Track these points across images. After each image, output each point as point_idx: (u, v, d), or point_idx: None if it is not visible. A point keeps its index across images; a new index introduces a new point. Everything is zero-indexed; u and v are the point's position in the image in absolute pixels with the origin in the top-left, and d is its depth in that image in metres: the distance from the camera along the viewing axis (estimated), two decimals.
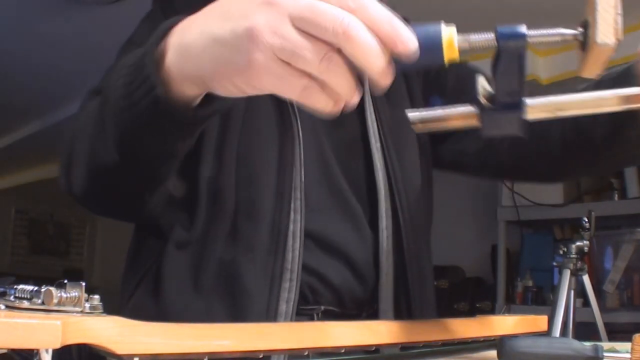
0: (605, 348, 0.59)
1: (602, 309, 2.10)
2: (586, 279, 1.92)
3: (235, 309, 0.77)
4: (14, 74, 3.67)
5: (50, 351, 0.36)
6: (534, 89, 0.85)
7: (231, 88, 0.50)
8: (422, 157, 0.95)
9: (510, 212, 2.77)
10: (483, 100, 0.51)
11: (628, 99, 0.52)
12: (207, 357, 0.45)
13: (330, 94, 0.46)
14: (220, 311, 0.78)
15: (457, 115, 0.52)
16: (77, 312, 0.40)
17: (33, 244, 6.72)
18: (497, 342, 0.58)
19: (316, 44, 0.44)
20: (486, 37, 0.49)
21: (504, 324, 0.75)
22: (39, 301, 0.39)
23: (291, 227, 0.80)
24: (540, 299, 2.72)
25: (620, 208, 2.53)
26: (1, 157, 5.60)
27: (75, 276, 5.34)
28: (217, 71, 0.49)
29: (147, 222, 0.87)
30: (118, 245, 0.90)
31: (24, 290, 0.40)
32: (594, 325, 1.97)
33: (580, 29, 0.49)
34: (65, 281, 0.41)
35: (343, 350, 0.54)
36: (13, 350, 0.35)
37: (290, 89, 0.46)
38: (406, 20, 1.07)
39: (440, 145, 0.98)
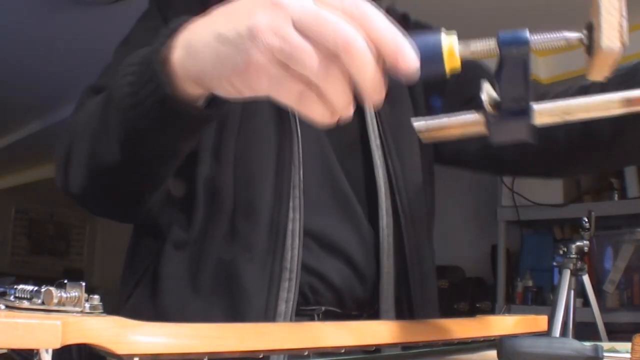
0: (605, 348, 0.59)
1: (602, 309, 2.10)
2: (586, 279, 1.92)
3: (234, 309, 0.77)
4: (14, 74, 3.67)
5: (50, 351, 0.36)
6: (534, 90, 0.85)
7: (229, 88, 0.50)
8: (423, 155, 0.95)
9: (510, 212, 2.77)
10: (489, 108, 0.50)
11: (638, 101, 0.51)
12: (207, 357, 0.45)
13: (326, 104, 0.46)
14: (218, 311, 0.77)
15: (463, 123, 0.51)
16: (77, 312, 0.40)
17: (33, 244, 6.72)
18: (497, 342, 0.58)
19: (316, 49, 0.44)
20: (488, 45, 0.48)
21: (504, 324, 0.74)
22: (39, 301, 0.39)
23: (290, 226, 0.80)
24: (540, 299, 2.72)
25: (620, 208, 2.53)
26: (1, 157, 5.60)
27: (75, 276, 5.34)
28: (217, 69, 0.49)
29: (145, 222, 0.87)
30: (118, 245, 0.90)
31: (24, 290, 0.40)
32: (594, 325, 1.97)
33: (585, 32, 0.49)
34: (65, 281, 0.41)
35: (343, 350, 0.54)
36: (13, 350, 0.35)
37: (287, 93, 0.46)
38: (405, 17, 1.06)
39: (442, 143, 0.98)
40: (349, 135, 0.89)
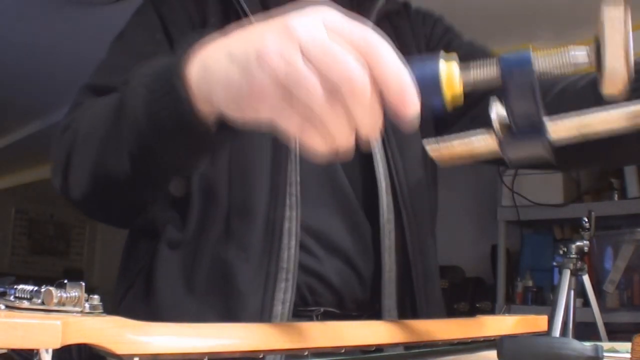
0: (605, 348, 0.59)
1: (602, 309, 2.10)
2: (586, 279, 1.92)
3: (228, 310, 0.76)
4: (14, 74, 3.67)
5: (50, 351, 0.36)
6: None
7: (235, 110, 0.50)
8: (425, 151, 0.95)
9: (510, 212, 2.77)
10: (499, 127, 0.49)
11: None
12: (207, 357, 0.45)
13: (325, 135, 0.46)
14: (212, 312, 0.76)
15: (475, 142, 0.50)
16: (77, 312, 0.40)
17: (33, 244, 6.72)
18: (497, 342, 0.58)
19: (321, 79, 0.44)
20: (490, 71, 0.47)
21: (504, 324, 0.74)
22: (39, 301, 0.39)
23: (286, 224, 0.79)
24: (540, 299, 2.72)
25: (620, 208, 2.53)
26: (1, 157, 5.60)
27: (75, 276, 5.34)
28: (225, 89, 0.50)
29: (140, 222, 0.86)
30: (118, 246, 0.90)
31: (24, 290, 0.40)
32: (594, 325, 1.97)
33: (591, 49, 0.47)
34: (65, 281, 0.41)
35: (343, 350, 0.54)
36: (13, 350, 0.35)
37: (288, 120, 0.46)
38: (406, 5, 1.04)
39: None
40: None
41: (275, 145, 0.81)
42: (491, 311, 2.77)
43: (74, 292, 0.40)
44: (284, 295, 0.77)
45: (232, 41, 0.50)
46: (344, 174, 0.86)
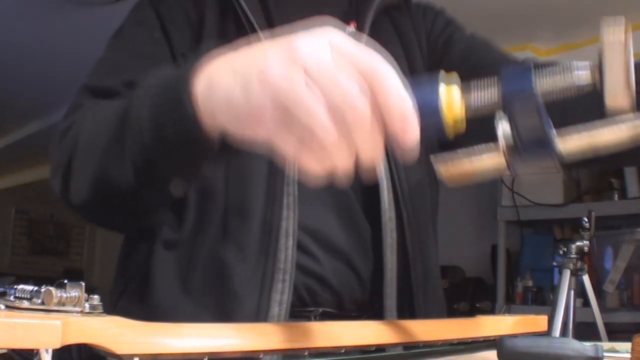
0: (605, 348, 0.59)
1: (602, 309, 2.10)
2: (586, 279, 1.92)
3: (223, 312, 0.75)
4: (13, 74, 3.67)
5: (50, 351, 0.36)
6: None
7: (234, 127, 0.49)
8: (425, 145, 0.93)
9: (510, 212, 2.77)
10: (506, 145, 0.48)
11: None
12: (207, 357, 0.45)
13: (323, 158, 0.45)
14: (208, 313, 0.75)
15: (485, 160, 0.49)
16: (77, 312, 0.40)
17: (33, 244, 6.72)
18: (497, 342, 0.58)
19: (322, 102, 0.44)
20: (491, 97, 0.46)
21: (504, 324, 0.74)
22: (39, 301, 0.39)
23: (283, 224, 0.78)
24: (540, 299, 2.73)
25: (620, 208, 2.53)
26: (1, 157, 5.60)
27: (75, 276, 5.34)
28: (226, 105, 0.49)
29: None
30: (118, 246, 0.90)
31: (24, 290, 0.40)
32: (594, 325, 1.97)
33: (594, 69, 0.46)
34: (65, 281, 0.41)
35: (343, 350, 0.54)
36: (13, 350, 0.35)
37: (285, 141, 0.46)
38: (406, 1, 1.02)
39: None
40: None
41: None
42: (491, 311, 2.77)
43: (74, 292, 0.40)
44: (281, 296, 0.76)
45: (238, 58, 0.50)
46: None
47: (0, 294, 0.40)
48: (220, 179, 0.79)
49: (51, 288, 0.39)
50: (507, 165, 0.49)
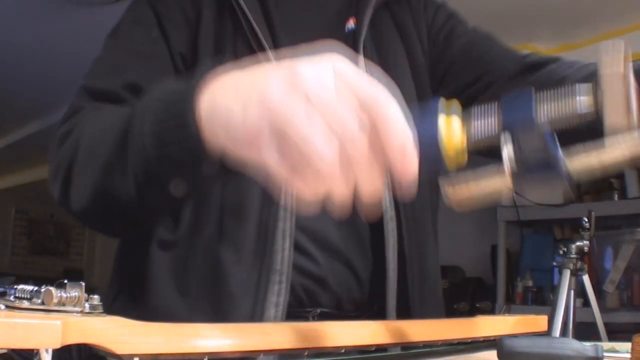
0: (605, 348, 0.59)
1: (602, 309, 2.10)
2: (586, 279, 1.92)
3: (219, 314, 0.74)
4: (14, 74, 3.67)
5: (50, 351, 0.36)
6: None
7: (232, 147, 0.49)
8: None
9: (510, 212, 2.77)
10: (511, 167, 0.47)
11: None
12: (207, 357, 0.45)
13: (316, 186, 0.44)
14: (203, 315, 0.75)
15: (492, 183, 0.48)
16: (77, 312, 0.40)
17: (33, 244, 6.72)
18: (497, 342, 0.58)
19: (321, 132, 0.43)
20: (492, 127, 0.45)
21: (504, 324, 0.74)
22: (39, 301, 0.39)
23: (280, 225, 0.77)
24: (540, 299, 2.73)
25: (620, 208, 2.53)
26: (1, 157, 5.60)
27: (75, 276, 5.34)
28: (225, 126, 0.49)
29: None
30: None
31: (24, 290, 0.40)
32: (594, 325, 1.97)
33: (598, 96, 0.45)
34: (65, 281, 0.41)
35: (343, 350, 0.54)
36: (13, 350, 0.35)
37: (279, 165, 0.45)
38: None
39: None
40: None
41: None
42: (491, 311, 2.77)
43: (74, 292, 0.40)
44: (277, 298, 0.75)
45: (241, 78, 0.50)
46: None
47: (0, 294, 0.40)
48: None
49: (51, 288, 0.39)
50: (516, 187, 0.48)
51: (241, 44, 0.82)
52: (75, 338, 0.37)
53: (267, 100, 0.45)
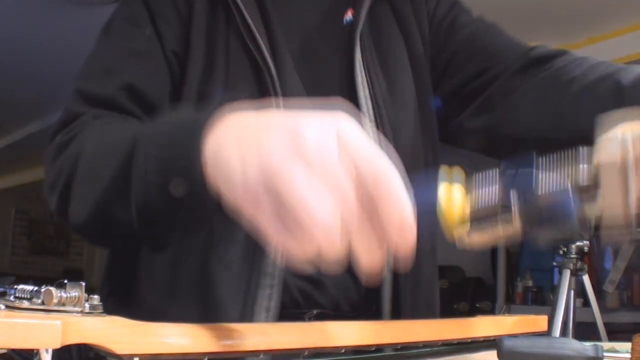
0: (605, 348, 0.59)
1: (602, 309, 2.10)
2: (586, 279, 1.92)
3: (207, 318, 0.73)
4: (14, 74, 3.67)
5: (50, 351, 0.36)
6: None
7: (231, 199, 0.48)
8: (425, 136, 0.88)
9: None
10: (520, 218, 0.47)
11: None
12: (207, 357, 0.45)
13: (309, 250, 0.43)
14: (192, 319, 0.74)
15: (504, 229, 0.47)
16: (77, 312, 0.40)
17: (33, 244, 6.73)
18: (497, 342, 0.58)
19: (316, 198, 0.42)
20: (493, 198, 0.45)
21: (504, 324, 0.74)
22: (39, 301, 0.39)
23: None
24: (540, 299, 2.73)
25: None
26: (1, 157, 5.60)
27: (75, 276, 5.34)
28: (226, 178, 0.48)
29: None
30: None
31: (24, 290, 0.40)
32: (594, 325, 1.97)
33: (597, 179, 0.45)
34: (65, 281, 0.41)
35: (343, 350, 0.54)
36: (13, 350, 0.35)
37: (273, 227, 0.44)
38: None
39: (452, 121, 0.90)
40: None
41: None
42: (491, 311, 2.78)
43: (74, 292, 0.40)
44: (269, 302, 0.73)
45: (246, 128, 0.48)
46: None
47: (0, 294, 0.40)
48: None
49: (51, 288, 0.39)
50: (526, 233, 0.48)
51: (234, 38, 0.80)
52: (75, 338, 0.37)
53: (267, 162, 0.44)
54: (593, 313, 1.97)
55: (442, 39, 0.92)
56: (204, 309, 0.75)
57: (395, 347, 0.63)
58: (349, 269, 0.85)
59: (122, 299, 0.80)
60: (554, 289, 2.01)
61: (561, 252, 1.89)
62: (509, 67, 0.86)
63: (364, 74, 0.84)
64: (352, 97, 0.82)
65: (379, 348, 0.59)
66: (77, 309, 0.40)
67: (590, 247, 1.92)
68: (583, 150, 0.46)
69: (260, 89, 0.78)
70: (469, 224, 0.47)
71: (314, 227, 0.42)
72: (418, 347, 0.66)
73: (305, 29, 0.86)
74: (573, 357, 0.56)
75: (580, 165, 0.46)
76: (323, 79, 0.85)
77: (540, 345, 0.57)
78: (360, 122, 0.45)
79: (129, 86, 0.77)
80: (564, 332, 1.83)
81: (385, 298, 0.80)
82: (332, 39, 0.86)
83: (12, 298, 0.40)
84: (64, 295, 0.40)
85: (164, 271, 0.78)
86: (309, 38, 0.86)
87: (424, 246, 0.87)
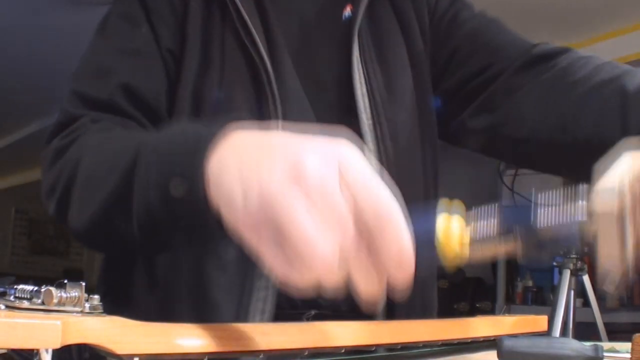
0: (605, 348, 0.59)
1: (602, 309, 2.10)
2: (586, 279, 1.92)
3: (202, 321, 0.74)
4: (14, 75, 3.67)
5: (50, 351, 0.36)
6: None
7: (231, 222, 0.48)
8: (424, 133, 0.88)
9: None
10: (521, 242, 0.47)
11: None
12: (207, 357, 0.45)
13: (307, 279, 0.43)
14: (187, 321, 0.74)
15: (504, 247, 0.48)
16: (77, 312, 0.40)
17: (33, 244, 6.73)
18: (497, 342, 0.58)
19: (315, 229, 0.42)
20: (492, 231, 0.46)
21: (504, 324, 0.74)
22: (39, 301, 0.39)
23: None
24: (540, 299, 2.73)
25: None
26: (1, 157, 5.60)
27: (75, 276, 5.34)
28: (227, 203, 0.48)
29: None
30: None
31: (24, 290, 0.40)
32: (594, 325, 1.97)
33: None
34: (65, 281, 0.41)
35: (343, 350, 0.54)
36: (13, 350, 0.35)
37: (271, 254, 0.44)
38: None
39: (453, 120, 0.89)
40: (336, 112, 0.83)
41: None
42: (491, 311, 2.78)
43: (74, 292, 0.40)
44: (264, 305, 0.73)
45: (249, 152, 0.48)
46: None
47: (0, 294, 0.40)
48: None
49: (51, 288, 0.39)
50: (527, 254, 0.49)
51: (230, 35, 0.79)
52: (75, 338, 0.37)
53: (266, 189, 0.43)
54: (593, 313, 1.97)
55: (443, 35, 0.91)
56: (198, 311, 0.74)
57: (395, 347, 0.63)
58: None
59: (117, 299, 0.80)
60: (554, 289, 2.01)
61: (561, 252, 1.89)
62: (511, 64, 0.84)
63: (361, 70, 0.83)
64: (349, 94, 0.82)
65: (379, 348, 0.59)
66: (77, 309, 0.40)
67: (590, 247, 1.92)
68: (582, 187, 0.47)
69: (257, 86, 0.77)
70: (467, 255, 0.47)
71: (313, 259, 0.42)
72: (418, 347, 0.66)
73: (303, 25, 0.85)
74: (573, 357, 0.56)
75: (580, 202, 0.47)
76: (321, 76, 0.84)
77: (540, 345, 0.57)
78: (362, 150, 0.45)
79: (126, 86, 0.76)
80: (564, 332, 1.84)
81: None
82: (331, 36, 0.85)
83: (12, 298, 0.40)
84: (64, 295, 0.40)
85: (160, 272, 0.77)
86: (307, 34, 0.85)
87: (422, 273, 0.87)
